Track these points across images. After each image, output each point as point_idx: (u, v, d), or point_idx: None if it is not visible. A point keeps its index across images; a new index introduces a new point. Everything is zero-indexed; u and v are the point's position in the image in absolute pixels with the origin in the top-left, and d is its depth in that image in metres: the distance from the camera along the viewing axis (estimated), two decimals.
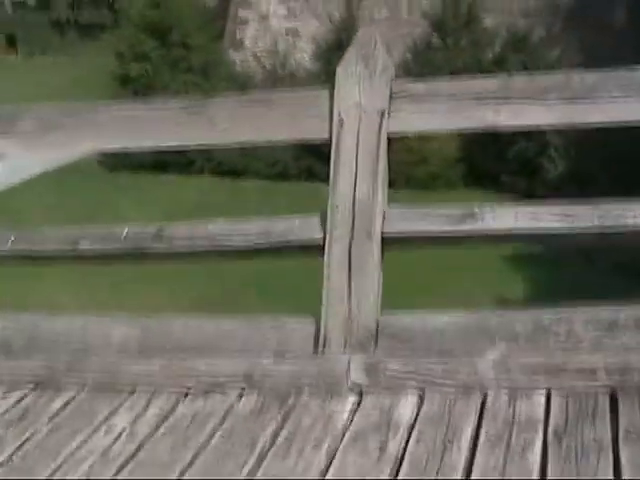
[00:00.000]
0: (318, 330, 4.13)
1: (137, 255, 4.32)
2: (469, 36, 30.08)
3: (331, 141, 4.03)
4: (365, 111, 3.98)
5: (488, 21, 31.00)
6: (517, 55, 29.35)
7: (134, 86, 30.59)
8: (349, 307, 4.06)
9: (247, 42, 32.00)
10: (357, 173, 3.99)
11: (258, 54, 31.56)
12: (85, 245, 4.22)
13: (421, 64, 30.17)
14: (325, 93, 4.09)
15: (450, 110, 3.95)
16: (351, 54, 4.00)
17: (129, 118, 4.19)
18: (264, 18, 32.05)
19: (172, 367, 4.14)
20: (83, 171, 19.14)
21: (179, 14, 30.05)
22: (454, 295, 12.28)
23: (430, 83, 4.12)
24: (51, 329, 4.41)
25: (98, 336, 4.36)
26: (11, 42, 63.41)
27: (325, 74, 31.05)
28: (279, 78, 30.79)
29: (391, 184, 4.06)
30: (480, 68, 29.79)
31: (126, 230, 4.20)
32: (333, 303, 4.10)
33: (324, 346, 4.09)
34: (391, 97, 3.97)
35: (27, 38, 63.16)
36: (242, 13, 32.08)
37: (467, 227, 3.97)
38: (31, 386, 4.22)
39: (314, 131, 4.10)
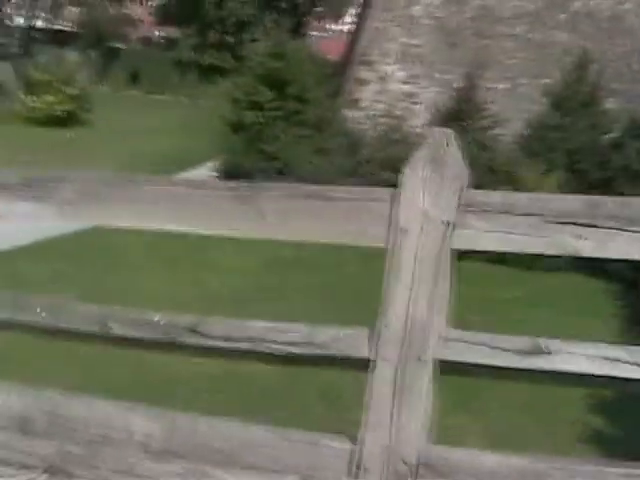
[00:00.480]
0: (354, 454, 3.72)
1: (169, 345, 3.98)
2: (588, 117, 29.40)
3: (387, 250, 3.62)
4: (429, 221, 3.56)
5: (610, 104, 30.33)
6: (635, 142, 28.51)
7: (246, 133, 30.97)
8: (391, 434, 3.63)
9: (363, 102, 32.03)
10: (413, 289, 3.56)
11: (373, 115, 31.50)
12: (114, 327, 3.92)
13: (536, 141, 29.63)
14: (387, 195, 3.68)
15: (526, 231, 3.49)
16: (420, 155, 3.59)
17: (172, 196, 3.87)
18: (383, 80, 32.07)
19: (194, 475, 3.78)
20: None
21: (299, 68, 30.26)
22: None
23: (506, 197, 3.65)
24: (70, 411, 4.09)
25: (118, 427, 4.02)
26: (134, 78, 65.67)
27: None
28: (392, 141, 30.67)
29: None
30: (596, 151, 29.17)
31: (158, 317, 3.88)
32: (374, 427, 3.68)
33: (358, 475, 3.67)
34: (460, 209, 3.54)
35: (150, 75, 65.36)
36: (362, 73, 32.16)
37: (531, 364, 3.50)
38: (40, 471, 3.92)
39: (369, 236, 3.69)
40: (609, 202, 3.55)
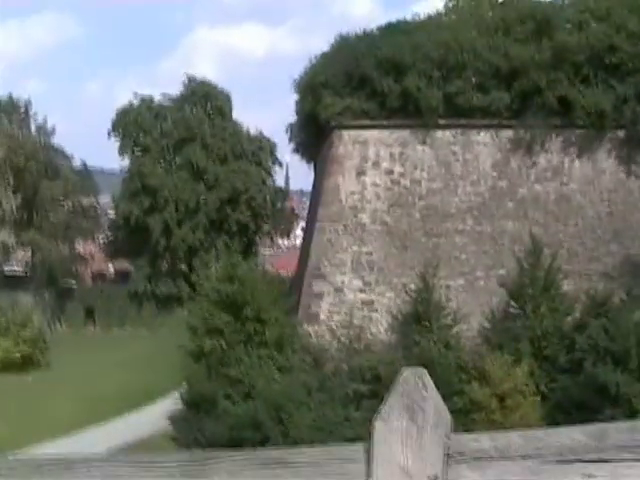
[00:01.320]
0: None
1: None
2: (548, 302, 29.52)
3: None
4: (411, 478, 3.04)
5: (567, 286, 30.59)
6: (598, 320, 28.56)
7: (208, 360, 30.46)
8: None
9: (322, 315, 31.94)
10: None
11: (333, 327, 31.32)
12: None
13: (499, 333, 29.53)
14: (360, 452, 3.17)
15: (525, 476, 3.00)
16: (393, 403, 3.10)
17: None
18: (339, 291, 32.17)
19: None
20: None
21: (253, 289, 30.27)
22: None
23: (498, 439, 3.16)
24: None
25: None
26: (90, 315, 65.39)
27: (402, 347, 30.64)
28: (355, 351, 30.35)
29: None
30: (561, 335, 29.08)
31: None
32: None
33: None
34: (447, 459, 3.04)
35: (106, 311, 65.26)
36: (317, 286, 32.24)
37: None
38: None
39: None
40: (613, 430, 3.08)
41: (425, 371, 3.27)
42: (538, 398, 26.98)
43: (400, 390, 3.15)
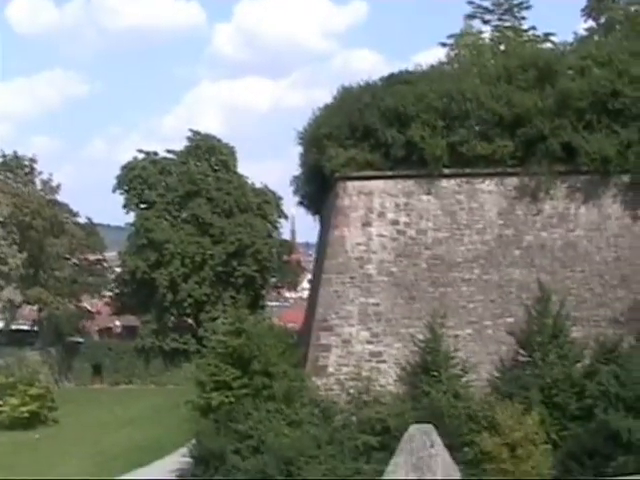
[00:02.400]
0: None
1: None
2: (557, 349, 29.38)
3: None
4: None
5: (575, 332, 30.47)
6: (608, 366, 28.41)
7: (216, 415, 30.28)
8: None
9: (330, 367, 31.90)
10: None
11: (342, 379, 31.26)
12: None
13: (509, 382, 29.37)
14: None
15: None
16: (399, 461, 3.16)
17: None
18: (347, 342, 32.18)
19: None
20: None
21: (260, 342, 30.35)
22: None
23: None
24: None
25: None
26: (97, 370, 65.15)
27: (411, 398, 30.47)
28: (364, 403, 30.18)
29: None
30: (571, 382, 28.88)
31: None
32: None
33: None
34: None
35: (113, 366, 65.04)
36: (324, 338, 32.26)
37: None
38: None
39: None
40: None
41: (432, 427, 3.36)
42: (549, 446, 26.93)
43: (407, 448, 3.22)
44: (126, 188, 64.22)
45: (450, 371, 29.67)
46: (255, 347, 30.11)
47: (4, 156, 62.15)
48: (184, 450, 32.37)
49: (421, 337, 30.82)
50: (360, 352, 31.98)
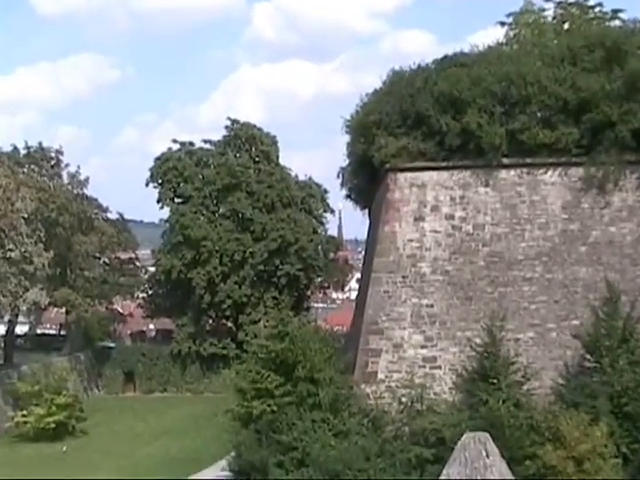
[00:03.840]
0: None
1: None
2: (627, 354, 29.29)
3: None
4: None
5: None
6: None
7: (257, 425, 30.69)
8: None
9: (380, 374, 32.24)
10: None
11: (393, 386, 31.57)
12: None
13: (574, 390, 29.41)
14: None
15: None
16: (452, 472, 3.61)
17: None
18: (398, 347, 32.49)
19: None
20: None
21: (305, 347, 30.67)
22: None
23: None
24: None
25: None
26: (129, 377, 65.81)
27: (468, 407, 30.65)
28: (417, 412, 30.39)
29: None
30: None
31: None
32: None
33: None
34: None
35: (147, 373, 65.65)
36: (374, 343, 32.59)
37: None
38: None
39: None
40: None
41: (488, 436, 3.79)
42: (619, 460, 26.89)
43: (460, 457, 3.66)
44: (160, 181, 64.93)
45: (510, 378, 29.81)
46: (299, 352, 30.50)
47: (28, 148, 62.47)
48: (223, 463, 32.94)
49: (479, 341, 31.03)
50: (413, 357, 32.31)
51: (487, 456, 2.98)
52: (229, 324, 65.37)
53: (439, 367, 32.09)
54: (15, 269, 48.54)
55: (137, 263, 71.73)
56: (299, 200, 63.65)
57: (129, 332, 73.63)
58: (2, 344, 57.98)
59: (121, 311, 73.78)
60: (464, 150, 33.62)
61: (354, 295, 63.80)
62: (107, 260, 66.92)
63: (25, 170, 61.05)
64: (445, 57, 36.65)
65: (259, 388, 30.78)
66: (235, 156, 65.38)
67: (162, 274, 63.93)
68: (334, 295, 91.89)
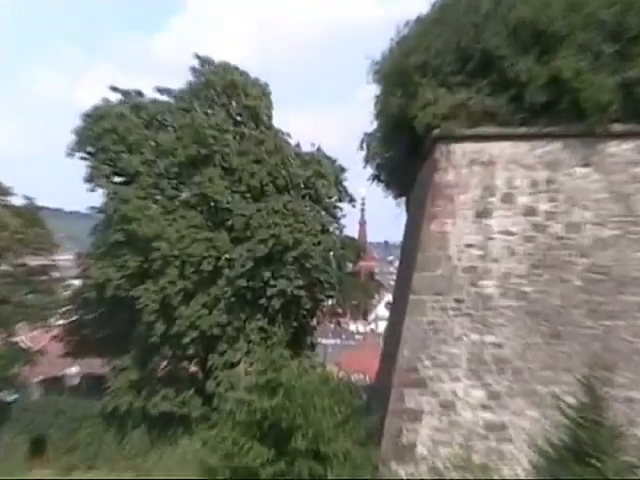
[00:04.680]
0: None
1: None
2: None
3: None
4: None
5: None
6: None
7: None
8: None
9: (421, 447, 32.21)
10: None
11: (440, 466, 31.58)
12: None
13: None
14: None
15: None
16: None
17: None
18: (448, 407, 32.51)
19: None
20: None
21: (307, 404, 30.78)
22: None
23: None
24: None
25: None
26: (37, 447, 65.73)
27: None
28: None
29: None
30: None
31: None
32: None
33: None
34: None
35: (64, 442, 65.41)
36: (412, 399, 32.63)
37: None
38: None
39: None
40: None
41: None
42: None
43: None
44: (90, 150, 64.68)
45: (619, 458, 29.82)
46: (299, 412, 30.53)
47: None
48: None
49: (572, 401, 30.96)
50: (471, 424, 32.35)
51: None
52: (192, 368, 65.41)
53: (510, 440, 32.09)
54: None
55: (54, 273, 71.73)
56: (302, 182, 63.54)
57: (40, 378, 73.93)
58: None
59: (28, 345, 73.90)
60: (553, 111, 33.41)
61: (382, 327, 63.95)
62: (8, 268, 66.98)
63: None
64: None
65: (237, 467, 30.85)
66: (206, 114, 65.19)
67: (91, 291, 63.74)
68: (352, 326, 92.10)
